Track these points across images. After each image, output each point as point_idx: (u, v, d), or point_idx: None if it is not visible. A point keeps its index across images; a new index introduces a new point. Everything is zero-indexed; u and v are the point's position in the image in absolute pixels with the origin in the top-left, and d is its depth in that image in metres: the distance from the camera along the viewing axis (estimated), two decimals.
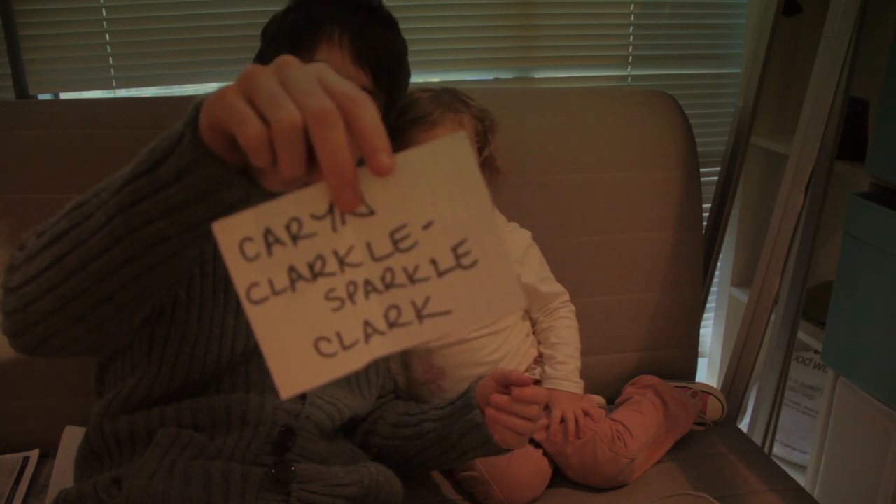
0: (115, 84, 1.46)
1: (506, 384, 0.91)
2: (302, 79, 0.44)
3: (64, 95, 1.47)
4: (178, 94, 1.51)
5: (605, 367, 1.35)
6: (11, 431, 1.21)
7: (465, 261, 0.44)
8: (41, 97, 1.44)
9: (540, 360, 1.23)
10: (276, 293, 0.44)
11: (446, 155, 0.44)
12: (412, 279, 0.45)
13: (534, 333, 1.24)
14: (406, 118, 1.10)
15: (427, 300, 0.45)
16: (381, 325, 0.45)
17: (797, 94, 1.53)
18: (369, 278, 0.45)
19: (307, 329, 0.45)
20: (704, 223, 1.60)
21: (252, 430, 0.83)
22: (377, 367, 1.03)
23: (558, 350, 1.19)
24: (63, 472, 1.10)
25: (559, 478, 1.17)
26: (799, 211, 1.40)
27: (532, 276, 1.21)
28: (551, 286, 1.23)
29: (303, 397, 0.89)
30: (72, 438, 1.16)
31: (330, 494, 0.84)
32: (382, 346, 0.45)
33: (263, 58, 1.01)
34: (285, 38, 0.98)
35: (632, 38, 1.67)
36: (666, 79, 1.71)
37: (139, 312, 0.73)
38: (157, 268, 0.61)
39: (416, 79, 1.09)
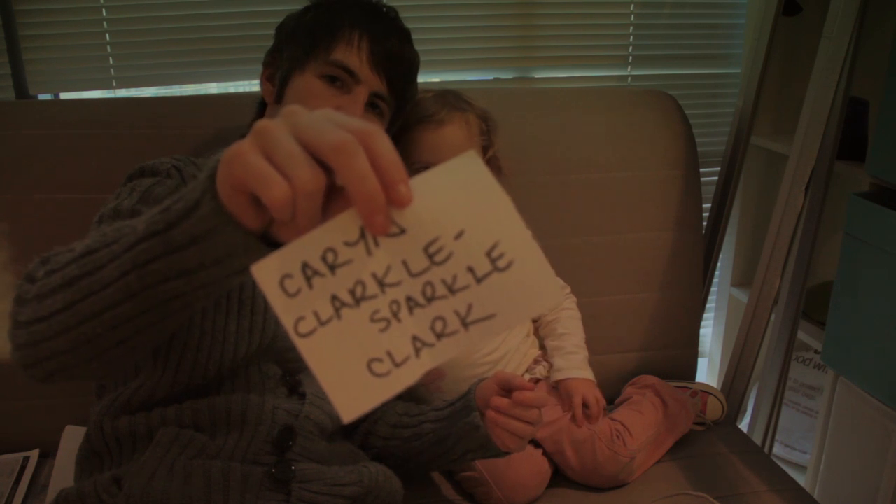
0: (115, 84, 1.46)
1: (507, 387, 0.91)
2: (314, 121, 0.45)
3: (64, 95, 1.47)
4: (178, 94, 1.51)
5: (605, 367, 1.34)
6: (11, 431, 1.21)
7: (501, 263, 0.45)
8: (41, 97, 1.44)
9: (540, 360, 1.24)
10: (322, 324, 0.45)
11: (460, 172, 0.46)
12: (452, 289, 0.46)
13: (538, 327, 1.25)
14: (411, 118, 1.10)
15: (470, 307, 0.46)
16: (429, 337, 0.46)
17: (797, 94, 1.53)
18: (411, 295, 0.46)
19: (358, 353, 0.46)
20: (704, 223, 1.60)
21: (252, 430, 0.83)
22: None
23: (566, 340, 1.21)
24: (63, 472, 1.10)
25: (559, 478, 1.17)
26: (799, 211, 1.40)
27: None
28: None
29: (303, 396, 0.89)
30: (72, 438, 1.16)
31: (330, 494, 0.84)
32: (433, 358, 0.46)
33: (278, 54, 1.01)
34: (303, 35, 0.98)
35: (632, 38, 1.67)
36: (666, 79, 1.71)
37: (151, 348, 0.73)
38: (173, 317, 0.61)
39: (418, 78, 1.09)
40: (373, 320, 0.46)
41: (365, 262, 0.45)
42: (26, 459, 1.18)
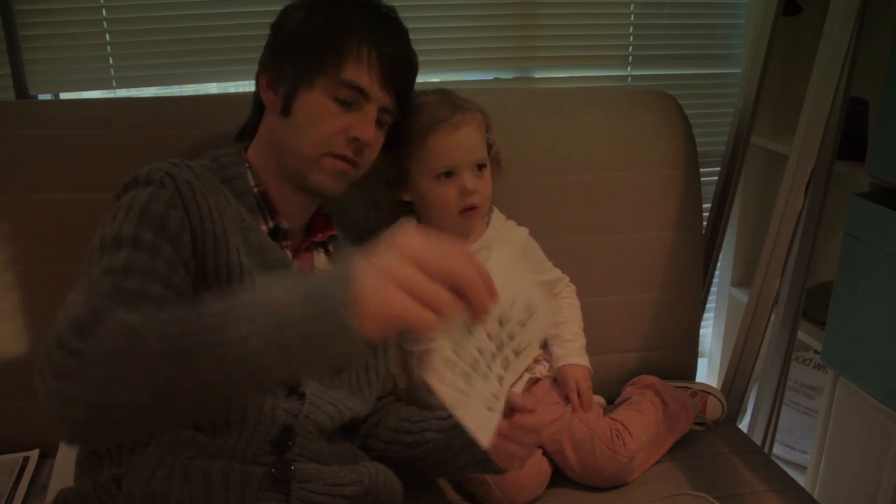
0: (115, 84, 1.46)
1: (509, 406, 0.91)
2: (439, 264, 0.60)
3: (64, 95, 1.47)
4: (178, 94, 1.51)
5: (605, 367, 1.34)
6: (11, 431, 1.21)
7: (532, 310, 0.73)
8: (41, 97, 1.44)
9: (540, 359, 1.24)
10: (463, 394, 0.65)
11: (502, 261, 0.70)
12: (511, 338, 0.71)
13: None
14: (424, 124, 1.09)
15: (519, 345, 0.72)
16: (502, 372, 0.71)
17: (797, 94, 1.53)
18: (493, 351, 0.69)
19: (482, 402, 0.68)
20: (704, 223, 1.60)
21: (252, 430, 0.83)
22: (377, 368, 1.03)
23: (564, 329, 1.23)
24: (63, 472, 1.10)
25: (559, 478, 1.17)
26: (799, 211, 1.40)
27: (535, 269, 1.25)
28: (553, 273, 1.27)
29: (302, 396, 0.89)
30: None
31: (330, 494, 0.84)
32: (506, 386, 0.72)
33: (278, 60, 0.96)
34: (308, 47, 0.94)
35: (632, 38, 1.67)
36: (666, 79, 1.71)
37: None
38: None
39: (417, 79, 1.09)
40: (482, 377, 0.68)
41: (470, 341, 0.66)
42: (26, 459, 1.18)
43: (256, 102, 1.03)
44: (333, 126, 0.94)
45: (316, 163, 0.95)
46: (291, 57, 0.95)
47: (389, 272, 0.57)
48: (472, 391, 0.66)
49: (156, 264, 0.79)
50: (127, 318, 0.66)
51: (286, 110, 0.95)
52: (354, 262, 0.60)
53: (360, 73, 0.93)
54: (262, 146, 0.99)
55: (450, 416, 0.99)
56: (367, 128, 0.94)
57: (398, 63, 0.97)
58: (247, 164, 0.97)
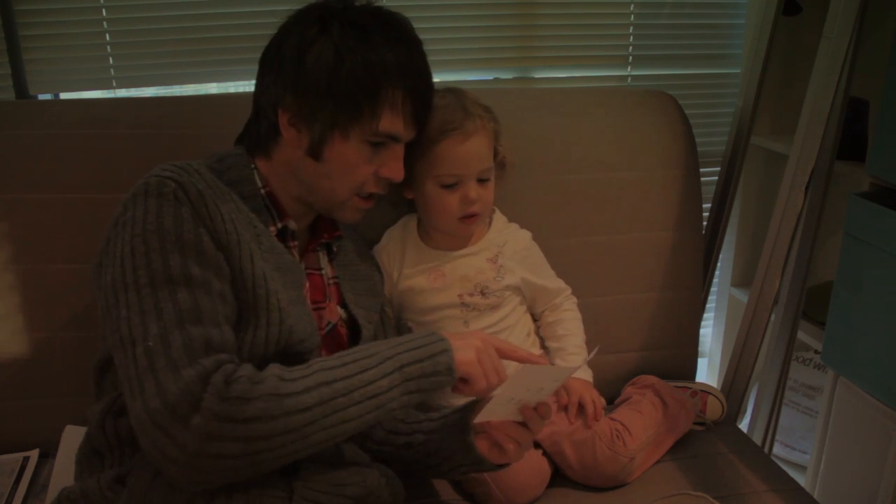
0: (115, 84, 1.46)
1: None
2: (499, 345, 0.92)
3: (64, 95, 1.47)
4: (178, 94, 1.51)
5: (605, 367, 1.35)
6: (11, 431, 1.21)
7: (541, 392, 0.94)
8: (41, 97, 1.44)
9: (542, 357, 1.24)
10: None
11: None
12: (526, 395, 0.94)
13: (539, 327, 1.26)
14: (435, 127, 1.08)
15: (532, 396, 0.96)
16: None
17: (797, 94, 1.53)
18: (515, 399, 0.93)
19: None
20: (704, 223, 1.60)
21: None
22: None
23: (567, 341, 1.23)
24: (63, 472, 1.10)
25: (559, 478, 1.17)
26: (799, 211, 1.40)
27: (536, 273, 1.24)
28: (555, 282, 1.26)
29: None
30: (72, 438, 1.16)
31: (332, 493, 0.84)
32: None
33: (308, 102, 0.91)
34: (343, 98, 0.91)
35: (632, 38, 1.67)
36: (666, 79, 1.71)
37: None
38: None
39: None
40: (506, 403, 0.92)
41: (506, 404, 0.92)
42: (26, 459, 1.18)
43: (268, 124, 0.96)
44: (366, 172, 0.95)
45: (344, 203, 0.97)
46: (324, 104, 0.91)
47: (472, 345, 0.87)
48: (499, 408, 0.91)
49: (215, 303, 0.81)
50: (269, 386, 0.75)
51: (315, 154, 0.93)
52: (445, 336, 0.87)
53: (396, 122, 0.94)
54: (277, 170, 0.97)
55: (440, 418, 1.01)
56: (397, 167, 0.97)
57: (426, 97, 0.97)
58: (253, 166, 0.96)
